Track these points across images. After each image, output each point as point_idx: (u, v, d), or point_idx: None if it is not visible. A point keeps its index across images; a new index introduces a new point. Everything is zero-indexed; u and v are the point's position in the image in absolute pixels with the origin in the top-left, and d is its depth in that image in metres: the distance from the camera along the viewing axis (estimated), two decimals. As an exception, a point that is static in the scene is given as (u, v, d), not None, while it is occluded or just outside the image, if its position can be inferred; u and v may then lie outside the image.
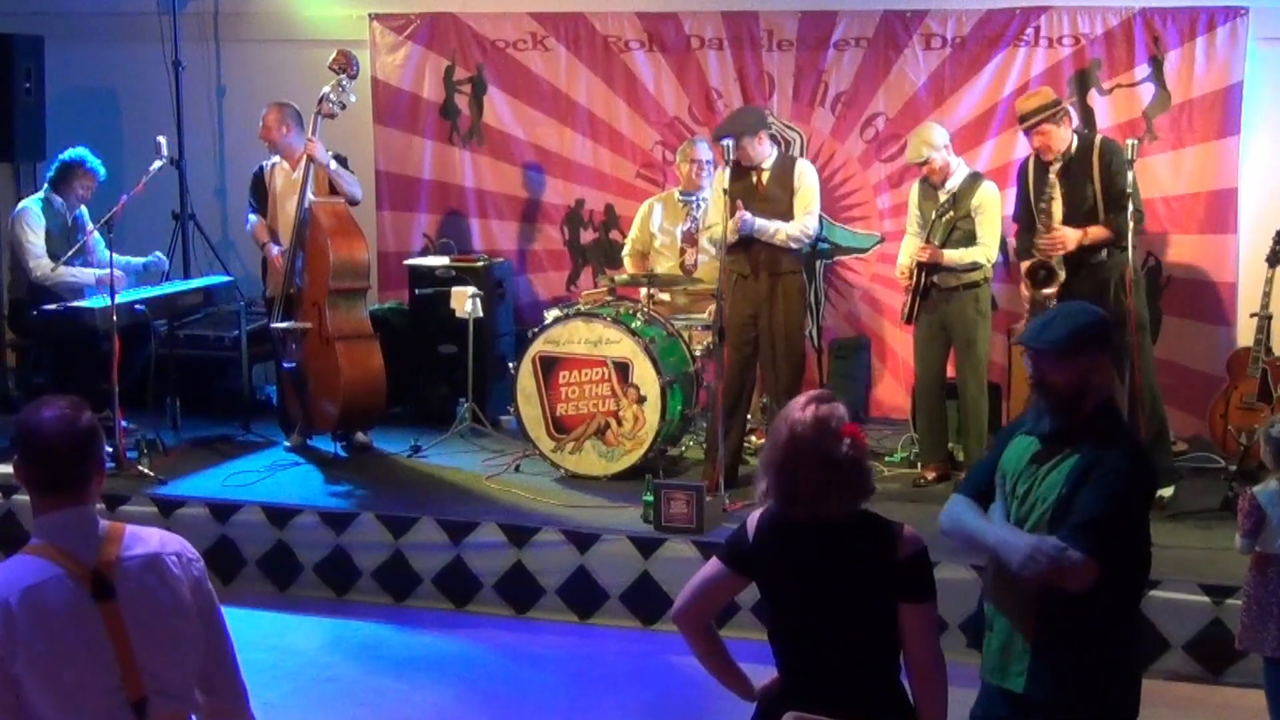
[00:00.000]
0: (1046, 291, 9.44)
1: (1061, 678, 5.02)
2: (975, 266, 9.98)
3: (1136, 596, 5.41)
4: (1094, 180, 9.47)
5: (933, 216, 10.03)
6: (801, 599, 4.74)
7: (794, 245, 9.97)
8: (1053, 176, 9.55)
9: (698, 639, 4.99)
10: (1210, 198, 10.91)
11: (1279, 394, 9.91)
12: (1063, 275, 9.43)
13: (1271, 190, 10.75)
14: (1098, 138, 9.79)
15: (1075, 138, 9.62)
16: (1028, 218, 9.76)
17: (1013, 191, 10.28)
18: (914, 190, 10.42)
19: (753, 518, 4.87)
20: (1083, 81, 11.20)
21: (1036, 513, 5.02)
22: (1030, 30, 11.28)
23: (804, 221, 9.98)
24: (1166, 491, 9.55)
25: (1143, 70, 11.06)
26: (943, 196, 10.01)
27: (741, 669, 4.99)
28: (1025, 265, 9.65)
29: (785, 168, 10.08)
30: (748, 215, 9.92)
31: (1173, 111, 11.00)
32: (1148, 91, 11.07)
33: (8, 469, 10.39)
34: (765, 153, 10.04)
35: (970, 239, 9.98)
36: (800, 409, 4.72)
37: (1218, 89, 10.83)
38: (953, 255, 9.92)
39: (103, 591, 4.19)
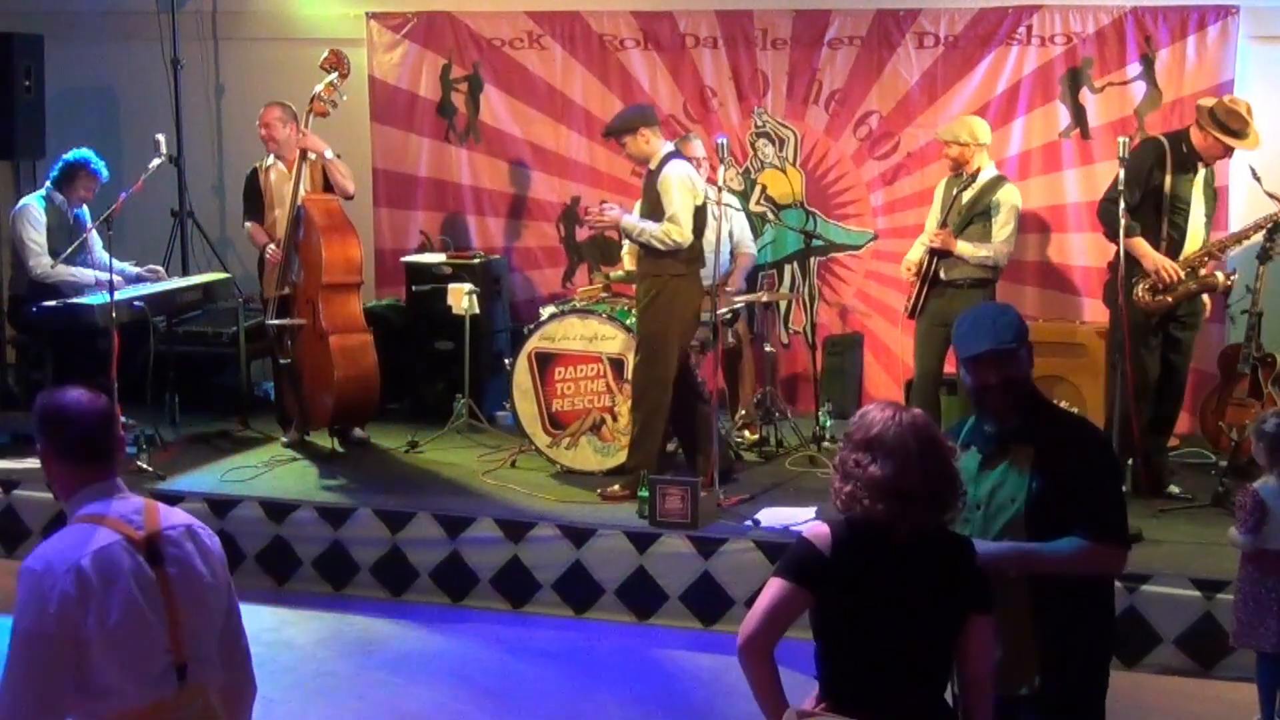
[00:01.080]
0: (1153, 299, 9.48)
1: (1064, 669, 5.09)
2: (985, 263, 9.95)
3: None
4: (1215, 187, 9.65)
5: (952, 195, 10.03)
6: (880, 612, 4.61)
7: (658, 246, 9.66)
8: (1200, 184, 9.54)
9: (762, 667, 4.69)
10: (1201, 195, 10.88)
11: (1269, 390, 9.89)
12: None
13: (1256, 189, 10.70)
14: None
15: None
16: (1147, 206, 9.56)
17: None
18: (939, 189, 10.43)
19: (817, 533, 4.69)
20: (1074, 80, 11.20)
21: (1007, 513, 5.02)
22: (1022, 29, 11.27)
23: (664, 225, 9.61)
24: (1176, 489, 9.62)
25: (1134, 68, 11.06)
26: (965, 195, 10.00)
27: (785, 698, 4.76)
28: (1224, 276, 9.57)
29: (659, 170, 9.76)
30: (614, 210, 9.95)
31: (1164, 109, 10.99)
32: (1139, 89, 11.07)
33: (8, 464, 10.45)
34: (649, 151, 9.80)
35: (985, 237, 9.96)
36: (903, 413, 4.67)
37: (1209, 87, 10.80)
38: (965, 247, 9.90)
39: (154, 557, 4.44)
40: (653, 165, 9.75)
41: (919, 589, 4.60)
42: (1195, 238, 9.48)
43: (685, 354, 9.95)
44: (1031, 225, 11.16)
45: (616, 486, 9.87)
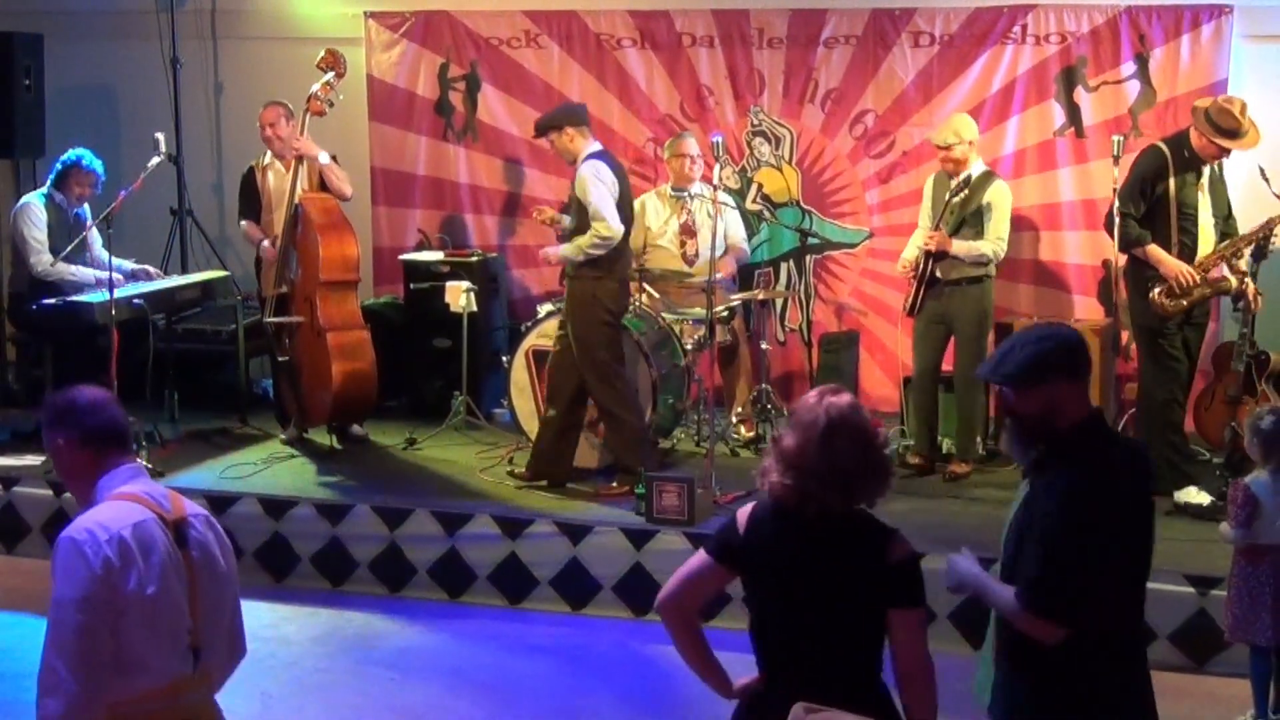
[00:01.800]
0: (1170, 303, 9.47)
1: (1011, 698, 4.90)
2: (982, 260, 9.96)
3: (1100, 630, 4.75)
4: (1225, 184, 9.62)
5: (945, 199, 10.01)
6: (789, 596, 4.66)
7: (597, 252, 9.65)
8: (1205, 182, 9.51)
9: (679, 630, 4.87)
10: (1195, 193, 10.87)
11: (1264, 387, 9.88)
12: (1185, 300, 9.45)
13: (1255, 185, 10.69)
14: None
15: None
16: (1157, 214, 9.55)
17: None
18: (929, 185, 10.44)
19: (744, 511, 4.79)
20: (1069, 79, 11.18)
21: (1005, 551, 4.90)
22: (1017, 28, 11.25)
23: (591, 231, 9.61)
24: (1204, 499, 9.43)
25: (1128, 67, 11.04)
26: (953, 183, 9.99)
27: (721, 665, 4.87)
28: (1237, 276, 9.50)
29: (581, 172, 9.78)
30: (549, 252, 10.16)
31: (1158, 108, 10.98)
32: (1133, 88, 11.05)
33: (8, 461, 10.45)
34: (574, 149, 9.83)
35: (978, 235, 9.95)
36: (829, 395, 4.67)
37: (1202, 86, 10.78)
38: (960, 246, 9.90)
39: (181, 540, 4.56)
40: (572, 164, 9.83)
41: (827, 573, 4.60)
42: (1206, 241, 9.48)
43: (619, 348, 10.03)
44: (1026, 224, 11.15)
45: (614, 484, 9.87)
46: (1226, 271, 9.53)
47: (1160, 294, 9.42)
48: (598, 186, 9.60)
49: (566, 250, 9.75)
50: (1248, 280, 9.44)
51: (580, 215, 9.72)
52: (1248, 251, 9.41)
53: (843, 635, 4.61)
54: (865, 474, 4.61)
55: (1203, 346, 10.30)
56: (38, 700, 4.38)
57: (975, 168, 10.10)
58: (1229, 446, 9.66)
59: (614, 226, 9.59)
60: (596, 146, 9.87)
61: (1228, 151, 9.38)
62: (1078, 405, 4.75)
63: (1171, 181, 9.39)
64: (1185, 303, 9.43)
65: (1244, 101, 9.48)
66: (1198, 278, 9.38)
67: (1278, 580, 7.08)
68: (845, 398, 4.66)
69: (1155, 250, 9.42)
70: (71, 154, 11.07)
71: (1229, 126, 9.25)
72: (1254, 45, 10.83)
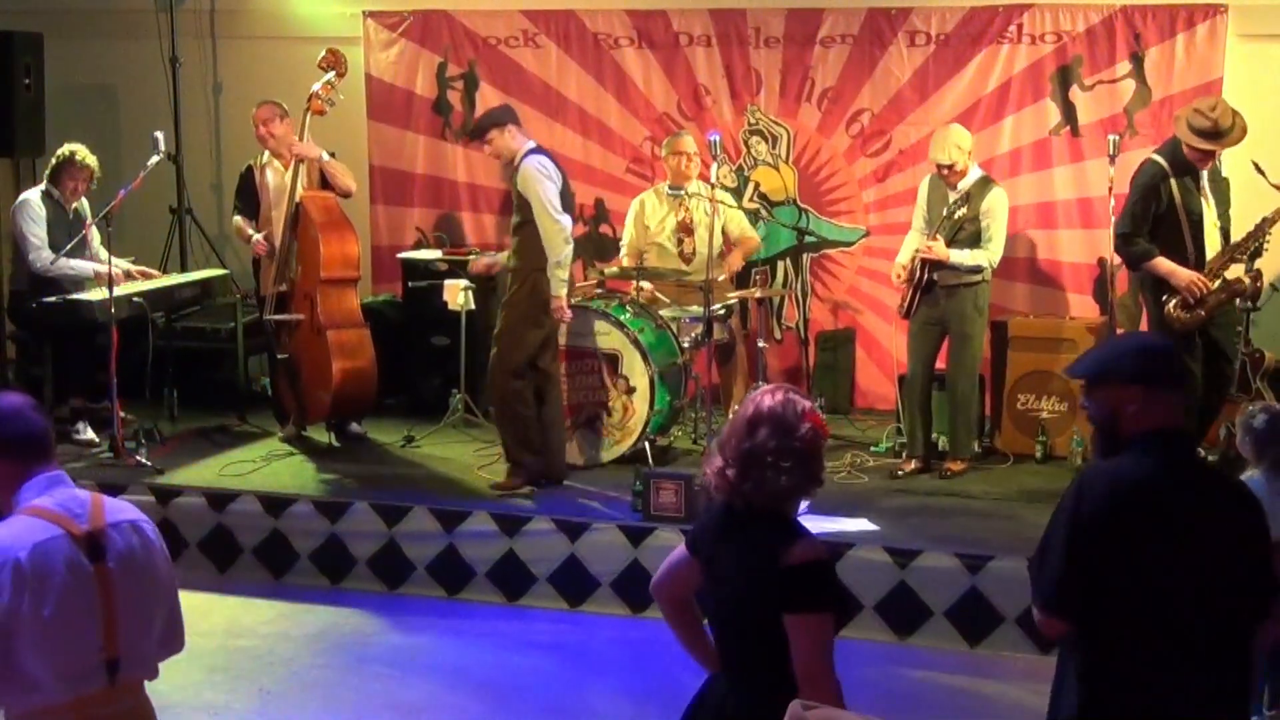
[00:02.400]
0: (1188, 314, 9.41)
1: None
2: (978, 269, 9.94)
3: (1103, 637, 4.56)
4: (1226, 184, 9.55)
5: (943, 214, 9.98)
6: (712, 586, 4.71)
7: (564, 253, 9.70)
8: (1208, 187, 9.45)
9: (669, 613, 4.98)
10: (1190, 192, 10.86)
11: (1258, 385, 9.88)
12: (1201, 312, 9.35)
13: (1250, 184, 10.68)
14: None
15: None
16: (1165, 226, 9.43)
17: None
18: (923, 187, 10.38)
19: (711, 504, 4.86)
20: (1064, 78, 11.17)
21: None
22: (1013, 27, 11.25)
23: (547, 232, 9.63)
24: None
25: (1124, 67, 11.03)
26: (952, 196, 9.96)
27: (713, 646, 4.87)
28: (1249, 276, 9.39)
29: (518, 167, 9.75)
30: (488, 260, 10.19)
31: (1153, 107, 10.97)
32: (1128, 87, 11.05)
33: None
34: (513, 148, 9.79)
35: (975, 241, 9.93)
36: (768, 392, 4.68)
37: (1197, 85, 10.79)
38: (958, 256, 9.87)
39: (96, 553, 4.41)
40: (516, 162, 9.79)
41: (733, 567, 4.61)
42: (1213, 245, 9.41)
43: (554, 346, 10.07)
44: (1021, 222, 11.14)
45: (503, 478, 9.95)
46: (1241, 271, 9.45)
47: (1175, 307, 9.26)
48: (545, 183, 9.62)
49: (556, 283, 9.71)
50: (1263, 279, 9.41)
51: (523, 210, 9.71)
52: (1250, 251, 9.38)
53: (754, 630, 4.57)
54: (779, 464, 4.55)
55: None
56: None
57: (972, 174, 10.08)
58: (1224, 445, 9.65)
59: (564, 220, 9.66)
60: (531, 144, 9.87)
61: (1213, 154, 9.32)
62: (1148, 414, 4.56)
63: (1175, 189, 9.28)
64: (1202, 312, 9.26)
65: (1219, 101, 9.45)
66: (1212, 285, 9.30)
67: (1273, 577, 7.07)
68: (782, 395, 4.65)
69: (1164, 263, 9.27)
70: (65, 149, 11.04)
71: (1206, 129, 9.19)
72: (1248, 44, 10.83)
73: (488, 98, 12.39)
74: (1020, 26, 11.24)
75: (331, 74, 10.81)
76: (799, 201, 11.90)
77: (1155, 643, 4.47)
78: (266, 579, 9.68)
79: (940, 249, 9.85)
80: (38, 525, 4.39)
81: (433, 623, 9.09)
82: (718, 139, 9.95)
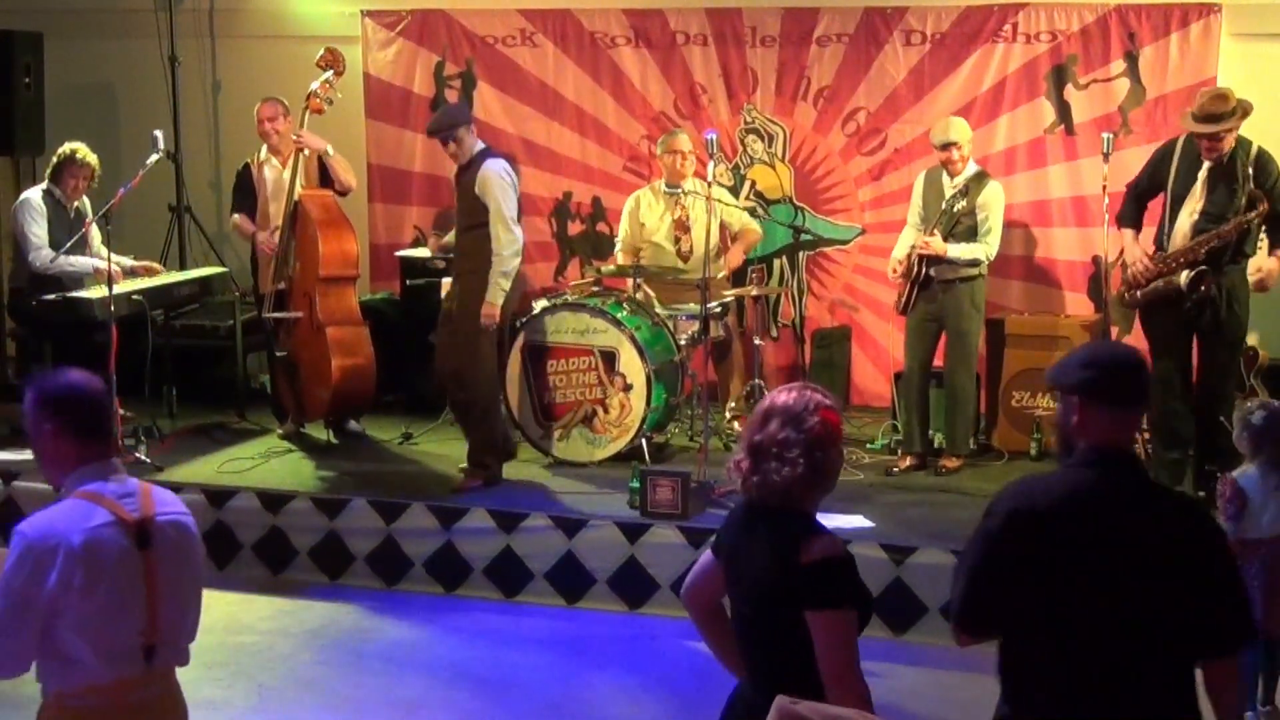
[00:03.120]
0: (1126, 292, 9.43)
1: None
2: (975, 263, 9.93)
3: (1015, 661, 4.42)
4: (1240, 185, 9.25)
5: (940, 208, 9.97)
6: (734, 587, 4.68)
7: (513, 261, 9.79)
8: (1202, 176, 9.34)
9: (697, 618, 4.93)
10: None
11: (1252, 382, 9.87)
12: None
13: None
14: (1254, 145, 9.37)
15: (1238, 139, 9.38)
16: (1145, 200, 9.63)
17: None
18: (918, 183, 10.37)
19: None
20: (1059, 77, 11.15)
21: None
22: (1008, 26, 11.23)
23: (500, 242, 9.69)
24: None
25: (1118, 65, 11.02)
26: (949, 190, 9.96)
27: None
28: (1186, 275, 9.25)
29: (476, 168, 9.73)
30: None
31: (1147, 105, 10.96)
32: (1123, 86, 11.03)
33: (8, 455, 10.42)
34: (471, 147, 9.81)
35: (972, 235, 9.93)
36: (786, 389, 4.67)
37: (1191, 83, 10.74)
38: (956, 250, 9.86)
39: (144, 540, 4.51)
40: (464, 162, 9.80)
41: (753, 566, 4.58)
42: (1180, 234, 9.38)
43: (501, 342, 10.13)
44: (1016, 220, 11.11)
45: (463, 479, 9.95)
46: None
47: (1120, 283, 9.52)
48: (506, 191, 9.68)
49: (495, 290, 9.71)
50: (1209, 286, 9.32)
51: (474, 214, 9.71)
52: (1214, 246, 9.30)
53: (773, 629, 4.54)
54: (784, 455, 4.52)
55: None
56: None
57: (969, 168, 10.07)
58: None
59: (518, 233, 9.75)
60: (482, 144, 9.90)
61: (1219, 138, 9.19)
62: (1087, 428, 4.39)
63: (1174, 169, 9.35)
64: (1138, 294, 9.41)
65: (1221, 88, 9.47)
66: (1150, 268, 9.36)
67: (1268, 574, 7.06)
68: (798, 391, 4.63)
69: (1125, 235, 9.51)
70: (66, 148, 11.00)
71: (1197, 113, 9.19)
72: (1242, 43, 10.80)
73: (485, 96, 12.40)
74: (1015, 26, 11.22)
75: (330, 73, 10.82)
76: (795, 200, 11.88)
77: (1069, 672, 4.29)
78: (265, 575, 9.67)
79: (937, 244, 9.84)
80: (92, 510, 4.48)
81: (430, 619, 9.07)
82: (714, 137, 9.94)
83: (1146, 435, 9.55)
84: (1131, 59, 10.98)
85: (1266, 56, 10.81)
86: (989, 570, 4.36)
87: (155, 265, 11.54)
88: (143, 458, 10.17)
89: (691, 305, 10.48)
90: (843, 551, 4.52)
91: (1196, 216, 9.32)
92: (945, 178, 10.08)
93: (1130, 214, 9.58)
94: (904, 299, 10.13)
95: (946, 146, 9.99)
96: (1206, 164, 9.27)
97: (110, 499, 4.52)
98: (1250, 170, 9.18)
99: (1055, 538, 4.28)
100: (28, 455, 10.38)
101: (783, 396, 4.63)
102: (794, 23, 11.69)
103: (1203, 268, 9.19)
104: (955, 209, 9.87)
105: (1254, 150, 9.27)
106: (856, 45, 11.59)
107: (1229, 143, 9.21)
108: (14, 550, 4.41)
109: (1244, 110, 9.18)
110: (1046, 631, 4.30)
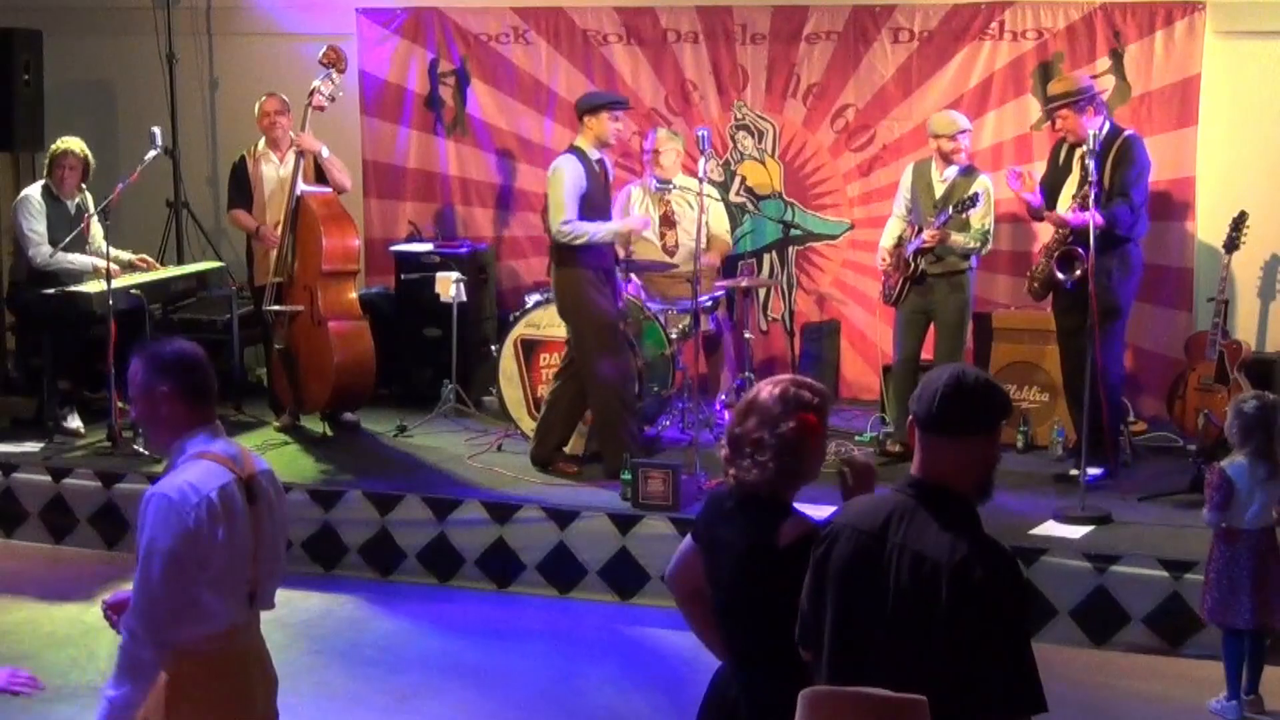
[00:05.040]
0: (1062, 276, 9.39)
1: None
2: (973, 251, 9.96)
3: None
4: (1105, 171, 9.33)
5: (936, 197, 10.02)
6: (713, 572, 4.66)
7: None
8: (1075, 162, 9.52)
9: (682, 604, 4.94)
10: (1169, 186, 10.80)
11: (1235, 376, 9.85)
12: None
13: (1227, 179, 10.68)
14: (1124, 133, 9.57)
15: (1107, 126, 9.46)
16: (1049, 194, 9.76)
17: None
18: (907, 174, 10.38)
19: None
20: (1045, 74, 11.10)
21: None
22: (995, 24, 11.20)
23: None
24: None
25: (1103, 63, 10.97)
26: (939, 182, 10.00)
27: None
28: (1059, 251, 9.45)
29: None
30: None
31: (1133, 103, 10.92)
32: (1108, 83, 10.97)
33: (7, 448, 10.38)
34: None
35: (964, 226, 9.92)
36: (772, 382, 4.64)
37: (1176, 81, 10.76)
38: (959, 238, 9.89)
39: (252, 495, 4.75)
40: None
41: (733, 552, 4.57)
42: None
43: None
44: (1004, 215, 11.05)
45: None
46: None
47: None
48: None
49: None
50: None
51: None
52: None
53: (754, 614, 4.53)
54: (755, 456, 4.51)
55: (1172, 335, 10.56)
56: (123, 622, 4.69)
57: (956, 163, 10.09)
58: (1202, 434, 9.63)
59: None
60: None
61: (1057, 111, 9.59)
62: (919, 458, 4.19)
63: (1060, 156, 9.78)
64: (1036, 285, 9.85)
65: (1069, 75, 10.06)
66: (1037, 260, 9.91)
67: (1255, 564, 7.05)
68: (781, 388, 4.58)
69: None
70: (57, 143, 11.01)
71: (1048, 94, 9.84)
72: (1226, 40, 10.76)
73: (479, 93, 12.37)
74: (1002, 24, 11.19)
75: (332, 70, 10.84)
76: (784, 195, 11.85)
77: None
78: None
79: (944, 234, 9.83)
80: (217, 469, 4.68)
81: (424, 609, 9.05)
82: (706, 134, 9.91)
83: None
84: (1117, 56, 10.94)
85: (1249, 54, 10.76)
86: (810, 592, 4.23)
87: (151, 260, 11.51)
88: (141, 450, 10.14)
89: (683, 298, 10.45)
90: (813, 529, 4.43)
91: (1070, 201, 9.54)
92: (935, 171, 10.08)
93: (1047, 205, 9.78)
94: (896, 291, 10.12)
95: (957, 135, 10.02)
96: (1079, 153, 9.43)
97: (226, 457, 4.74)
98: (1116, 155, 9.38)
99: (849, 564, 4.10)
100: (26, 448, 10.49)
101: (766, 392, 4.59)
102: (783, 21, 11.66)
103: (1067, 248, 9.43)
104: (962, 196, 9.84)
105: (1119, 140, 9.47)
106: (845, 43, 11.55)
107: (1067, 124, 9.55)
108: (156, 513, 4.58)
109: (1083, 96, 9.51)
110: (831, 664, 4.13)
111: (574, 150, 9.80)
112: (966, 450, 4.07)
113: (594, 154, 9.83)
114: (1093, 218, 8.94)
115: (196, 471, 4.67)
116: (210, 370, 4.86)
